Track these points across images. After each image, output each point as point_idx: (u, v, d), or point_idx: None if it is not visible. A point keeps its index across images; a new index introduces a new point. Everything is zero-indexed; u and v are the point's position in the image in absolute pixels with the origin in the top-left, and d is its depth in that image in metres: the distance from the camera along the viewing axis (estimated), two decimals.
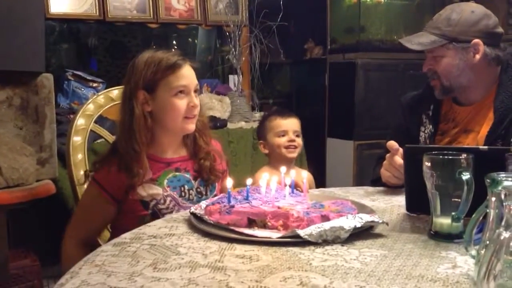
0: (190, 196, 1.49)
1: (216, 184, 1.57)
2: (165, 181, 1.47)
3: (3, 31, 1.99)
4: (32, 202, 1.94)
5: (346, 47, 3.95)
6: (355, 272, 0.85)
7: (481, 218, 0.82)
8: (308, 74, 4.43)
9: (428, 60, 1.64)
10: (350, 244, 0.99)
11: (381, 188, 1.52)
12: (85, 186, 1.57)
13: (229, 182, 1.20)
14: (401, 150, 1.38)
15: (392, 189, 1.48)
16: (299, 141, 1.97)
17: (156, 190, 1.45)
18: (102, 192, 1.43)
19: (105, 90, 1.87)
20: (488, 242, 0.73)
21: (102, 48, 3.84)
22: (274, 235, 1.02)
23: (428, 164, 1.01)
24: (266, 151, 2.01)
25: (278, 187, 1.23)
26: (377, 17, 3.90)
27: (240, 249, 0.98)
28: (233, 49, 3.64)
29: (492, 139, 1.52)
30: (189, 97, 1.47)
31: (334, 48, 4.06)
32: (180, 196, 1.48)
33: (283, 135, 1.95)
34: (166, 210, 1.44)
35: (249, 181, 1.21)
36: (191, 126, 1.49)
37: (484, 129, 1.56)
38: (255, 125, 3.02)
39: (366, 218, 1.05)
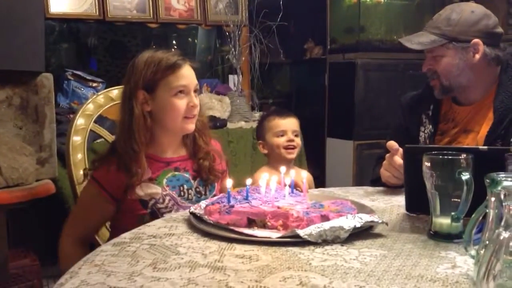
0: (189, 195, 1.50)
1: (216, 184, 1.57)
2: (164, 181, 1.47)
3: (3, 31, 1.99)
4: (31, 202, 1.95)
5: (346, 47, 3.95)
6: (355, 272, 0.85)
7: (480, 218, 0.82)
8: (308, 74, 4.43)
9: (427, 60, 1.64)
10: (350, 244, 0.99)
11: (380, 188, 1.52)
12: (84, 184, 1.57)
13: (228, 182, 1.20)
14: (401, 150, 1.38)
15: (391, 189, 1.48)
16: (298, 140, 1.97)
17: (155, 189, 1.45)
18: (101, 191, 1.43)
19: (105, 90, 1.87)
20: (487, 242, 0.73)
21: (102, 48, 3.84)
22: (273, 235, 1.02)
23: (428, 164, 1.01)
24: (265, 152, 2.00)
25: (277, 187, 1.23)
26: (377, 17, 3.90)
27: (239, 249, 0.98)
28: (233, 49, 3.64)
29: (492, 139, 1.52)
30: (189, 97, 1.47)
31: (334, 48, 4.06)
32: (179, 195, 1.48)
33: (282, 135, 1.94)
34: (165, 210, 1.44)
35: (248, 181, 1.21)
36: (191, 126, 1.49)
37: (484, 129, 1.56)
38: (255, 125, 3.01)
39: (366, 218, 1.05)
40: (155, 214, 1.42)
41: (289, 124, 1.97)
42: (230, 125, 3.42)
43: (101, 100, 1.79)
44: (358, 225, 1.02)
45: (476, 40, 1.55)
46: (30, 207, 2.28)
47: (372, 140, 3.65)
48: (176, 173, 1.50)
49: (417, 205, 1.21)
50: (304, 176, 1.31)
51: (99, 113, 1.79)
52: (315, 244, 0.99)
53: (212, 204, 1.15)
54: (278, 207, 1.09)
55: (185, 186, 1.50)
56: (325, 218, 1.06)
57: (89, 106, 1.77)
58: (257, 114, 3.66)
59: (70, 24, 3.68)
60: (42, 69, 2.16)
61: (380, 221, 1.06)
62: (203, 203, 1.22)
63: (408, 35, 1.67)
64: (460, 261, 0.89)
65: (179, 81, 1.45)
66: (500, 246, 0.66)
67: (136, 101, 1.44)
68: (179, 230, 1.12)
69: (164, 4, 3.66)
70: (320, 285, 0.79)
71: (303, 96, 4.41)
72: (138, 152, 1.42)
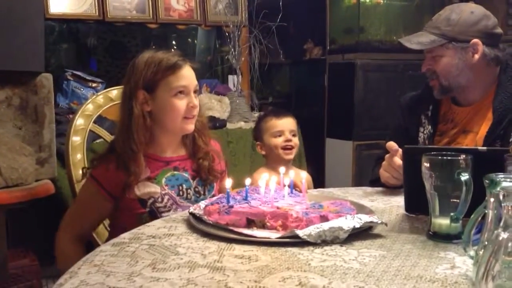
0: (188, 195, 1.50)
1: (215, 184, 1.57)
2: (163, 180, 1.48)
3: (3, 31, 1.99)
4: (31, 202, 1.94)
5: (346, 48, 3.95)
6: (354, 272, 0.85)
7: (479, 218, 0.82)
8: (308, 75, 4.44)
9: (427, 60, 1.64)
10: (349, 244, 0.99)
11: (380, 189, 1.52)
12: (83, 182, 1.57)
13: (228, 182, 1.20)
14: (400, 150, 1.38)
15: (391, 189, 1.48)
16: (296, 140, 1.96)
17: (154, 188, 1.45)
18: (99, 189, 1.43)
19: (105, 90, 1.87)
20: (486, 242, 0.73)
21: (102, 48, 3.84)
22: (273, 235, 1.02)
23: (427, 164, 1.01)
24: (264, 152, 2.00)
25: (277, 188, 1.23)
26: (377, 18, 3.91)
27: (239, 249, 0.98)
28: (232, 50, 3.64)
29: (491, 140, 1.52)
30: (189, 97, 1.47)
31: (334, 49, 4.06)
32: (178, 195, 1.48)
33: (279, 135, 1.94)
34: (163, 209, 1.45)
35: (247, 181, 1.21)
36: (190, 126, 1.49)
37: (483, 130, 1.56)
38: (254, 125, 3.02)
39: (365, 218, 1.05)
40: (154, 213, 1.43)
41: (286, 124, 1.96)
42: (229, 126, 3.42)
43: (100, 101, 1.80)
44: (357, 225, 1.02)
45: (475, 40, 1.55)
46: (29, 207, 2.27)
47: (372, 140, 3.65)
48: (175, 172, 1.50)
49: (416, 205, 1.21)
50: (303, 176, 1.31)
51: (98, 113, 1.79)
52: (314, 244, 0.99)
53: (212, 204, 1.15)
54: (278, 208, 1.09)
55: (184, 186, 1.50)
56: (324, 218, 1.06)
57: (89, 107, 1.77)
58: (256, 115, 3.65)
59: (69, 25, 3.68)
60: (42, 69, 2.16)
61: (379, 222, 1.06)
62: (202, 203, 1.22)
63: (408, 35, 1.67)
64: (459, 262, 0.89)
65: (179, 81, 1.45)
66: (499, 247, 0.67)
67: (136, 101, 1.44)
68: (178, 230, 1.12)
69: (163, 4, 3.66)
70: (319, 286, 0.79)
71: (302, 96, 4.42)
72: (137, 152, 1.42)
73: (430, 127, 1.67)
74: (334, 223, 1.02)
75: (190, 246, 1.00)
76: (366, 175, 3.15)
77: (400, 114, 1.78)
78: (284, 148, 1.93)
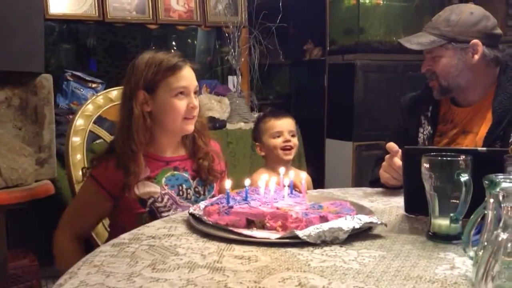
0: (188, 195, 1.50)
1: (214, 184, 1.57)
2: (163, 180, 1.48)
3: (2, 31, 1.99)
4: (31, 203, 1.94)
5: (345, 48, 3.95)
6: (354, 273, 0.85)
7: (479, 219, 0.82)
8: (307, 75, 4.44)
9: (426, 60, 1.64)
10: (349, 245, 0.99)
11: (379, 189, 1.52)
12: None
13: (228, 183, 1.20)
14: (400, 151, 1.38)
15: (390, 190, 1.48)
16: (295, 141, 1.96)
17: (154, 188, 1.45)
18: (99, 189, 1.43)
19: (104, 91, 1.87)
20: (486, 243, 0.73)
21: (102, 48, 3.84)
22: (272, 235, 1.02)
23: (427, 165, 1.01)
24: (263, 153, 2.00)
25: (276, 188, 1.23)
26: (376, 19, 3.91)
27: (238, 249, 0.98)
28: (232, 50, 3.65)
29: (491, 140, 1.52)
30: (189, 98, 1.48)
31: (333, 49, 4.06)
32: (178, 195, 1.48)
33: (278, 136, 1.94)
34: (163, 208, 1.45)
35: (247, 181, 1.21)
36: (190, 127, 1.50)
37: (483, 130, 1.56)
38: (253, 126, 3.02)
39: (365, 219, 1.05)
40: (154, 213, 1.43)
41: (285, 124, 1.96)
42: (229, 126, 3.42)
43: (100, 101, 1.80)
44: (357, 226, 1.02)
45: (475, 40, 1.55)
46: (29, 208, 2.27)
47: (371, 141, 3.66)
48: (175, 172, 1.51)
49: (416, 206, 1.21)
50: (303, 177, 1.31)
51: (98, 113, 1.79)
52: (314, 245, 0.99)
53: (211, 205, 1.15)
54: (277, 208, 1.09)
55: (184, 186, 1.50)
56: (324, 219, 1.06)
57: (89, 107, 1.77)
58: (256, 115, 3.65)
59: (69, 25, 3.68)
60: (42, 70, 2.16)
61: (379, 222, 1.06)
62: (202, 204, 1.22)
63: (407, 36, 1.67)
64: (459, 262, 0.89)
65: (180, 82, 1.45)
66: (498, 247, 0.67)
67: (136, 101, 1.44)
68: (178, 231, 1.12)
69: (163, 5, 3.66)
70: (319, 286, 0.79)
71: (302, 97, 4.42)
72: (136, 152, 1.42)
73: (429, 127, 1.67)
74: (334, 223, 1.03)
75: (190, 246, 1.00)
76: (366, 175, 3.15)
77: (400, 115, 1.78)
78: (283, 148, 1.93)
